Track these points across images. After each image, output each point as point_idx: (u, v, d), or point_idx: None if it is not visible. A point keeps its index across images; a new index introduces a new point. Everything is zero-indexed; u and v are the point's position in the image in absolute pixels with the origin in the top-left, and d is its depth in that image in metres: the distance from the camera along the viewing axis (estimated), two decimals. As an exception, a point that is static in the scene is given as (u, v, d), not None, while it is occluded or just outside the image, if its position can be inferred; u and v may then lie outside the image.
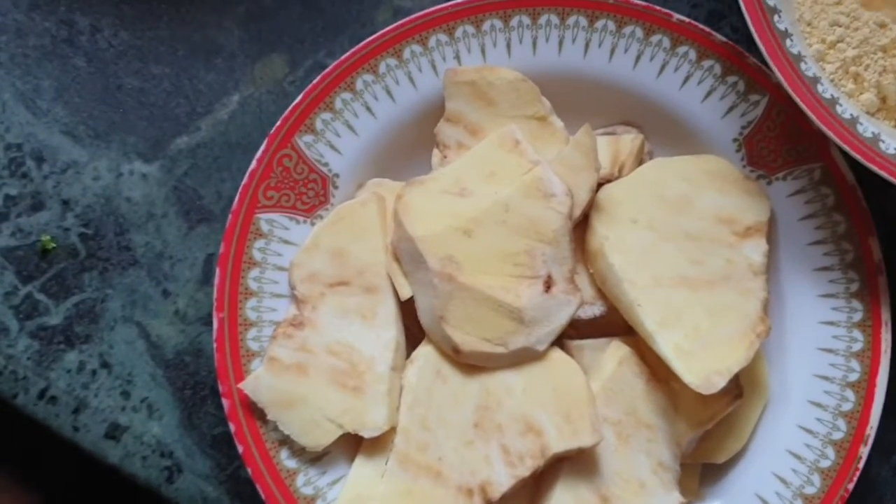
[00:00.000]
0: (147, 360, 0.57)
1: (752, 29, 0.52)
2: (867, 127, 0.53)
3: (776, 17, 0.53)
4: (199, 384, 0.57)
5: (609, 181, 0.55)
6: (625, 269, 0.53)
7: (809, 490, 0.54)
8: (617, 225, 0.54)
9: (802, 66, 0.53)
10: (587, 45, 0.56)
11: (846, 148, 0.52)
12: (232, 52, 0.59)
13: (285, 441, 0.53)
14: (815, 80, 0.53)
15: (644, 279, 0.53)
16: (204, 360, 0.57)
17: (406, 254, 0.53)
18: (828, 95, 0.53)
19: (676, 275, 0.53)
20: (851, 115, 0.53)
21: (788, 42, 0.53)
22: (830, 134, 0.52)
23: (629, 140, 0.56)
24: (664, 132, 0.57)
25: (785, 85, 0.52)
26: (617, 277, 0.53)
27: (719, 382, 0.51)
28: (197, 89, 0.59)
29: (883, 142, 0.53)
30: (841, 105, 0.53)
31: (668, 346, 0.52)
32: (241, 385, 0.52)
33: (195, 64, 0.59)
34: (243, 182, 0.54)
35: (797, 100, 0.52)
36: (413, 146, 0.56)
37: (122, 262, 0.58)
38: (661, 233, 0.54)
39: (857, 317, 0.55)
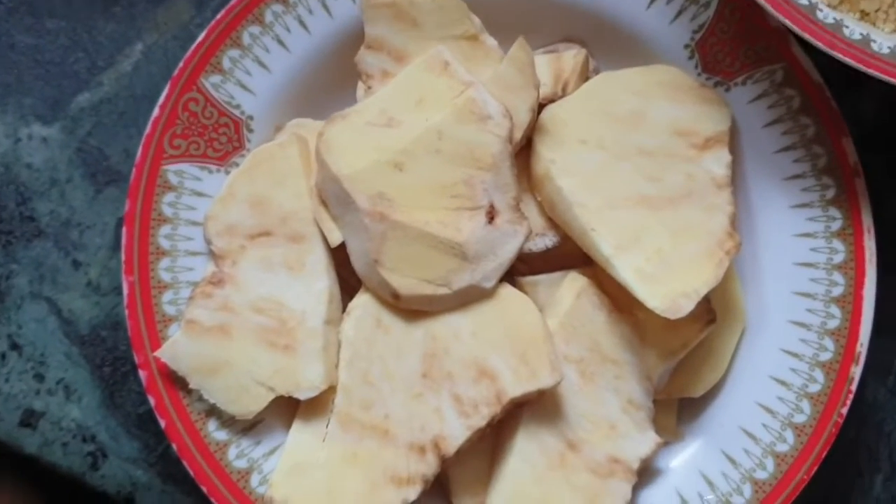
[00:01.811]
0: (60, 337, 0.54)
1: (693, -85, 0.48)
2: (827, 13, 0.49)
3: None
4: (119, 360, 0.54)
5: (552, 101, 0.52)
6: (575, 193, 0.50)
7: (799, 418, 0.50)
8: (563, 147, 0.51)
9: (752, -48, 0.48)
10: (518, -46, 0.53)
11: (806, 36, 0.47)
12: (132, -1, 0.57)
13: (212, 411, 0.49)
14: (768, -33, 0.48)
15: (597, 202, 0.50)
16: (122, 333, 0.54)
17: (332, 195, 0.49)
18: (782, -18, 0.48)
19: (633, 195, 0.50)
20: (809, 1, 0.48)
21: (734, -72, 0.48)
22: (788, 22, 0.47)
23: (571, 56, 0.53)
24: (609, 46, 0.54)
25: (733, -28, 0.47)
26: (567, 202, 0.50)
27: (687, 305, 0.47)
28: (97, 42, 0.56)
29: (846, 27, 0.48)
30: (797, -8, 0.48)
31: (628, 270, 0.48)
32: (157, 353, 0.49)
33: (93, 14, 0.56)
34: (146, 131, 0.50)
35: (748, -13, 0.47)
36: (335, 81, 0.53)
37: (26, 234, 0.55)
38: (613, 151, 0.51)
39: (836, 225, 0.51)
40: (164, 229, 0.50)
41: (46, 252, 0.54)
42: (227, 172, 0.51)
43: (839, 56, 0.47)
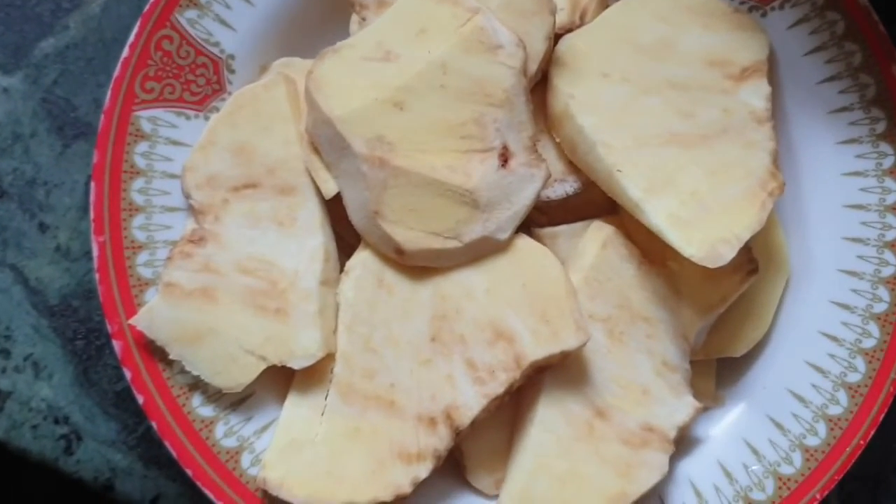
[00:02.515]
0: (27, 308, 0.51)
1: None
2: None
3: None
4: (93, 332, 0.51)
5: (569, 31, 0.48)
6: (598, 131, 0.46)
7: (853, 377, 0.46)
8: (584, 80, 0.47)
9: None
10: None
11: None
12: (97, -69, 0.53)
13: (196, 385, 0.46)
14: None
15: (623, 140, 0.46)
16: (96, 301, 0.51)
17: (325, 140, 0.45)
18: None
19: (663, 132, 0.46)
20: None
21: None
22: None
23: (589, -19, 0.49)
24: (630, -31, 0.50)
25: None
26: (589, 142, 0.45)
27: (727, 253, 0.44)
28: (60, -19, 0.52)
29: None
30: None
31: (660, 215, 0.44)
32: (132, 321, 0.45)
33: (55, -49, 0.53)
34: (115, 74, 0.46)
35: None
36: (325, 13, 0.49)
37: None
38: (640, 85, 0.47)
39: (889, 162, 0.48)
40: (138, 183, 0.46)
41: (10, 214, 0.51)
42: (207, 118, 0.47)
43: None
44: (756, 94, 0.47)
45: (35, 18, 0.51)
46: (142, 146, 0.46)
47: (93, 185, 0.45)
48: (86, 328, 0.50)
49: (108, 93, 0.46)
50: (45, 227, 0.50)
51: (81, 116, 0.51)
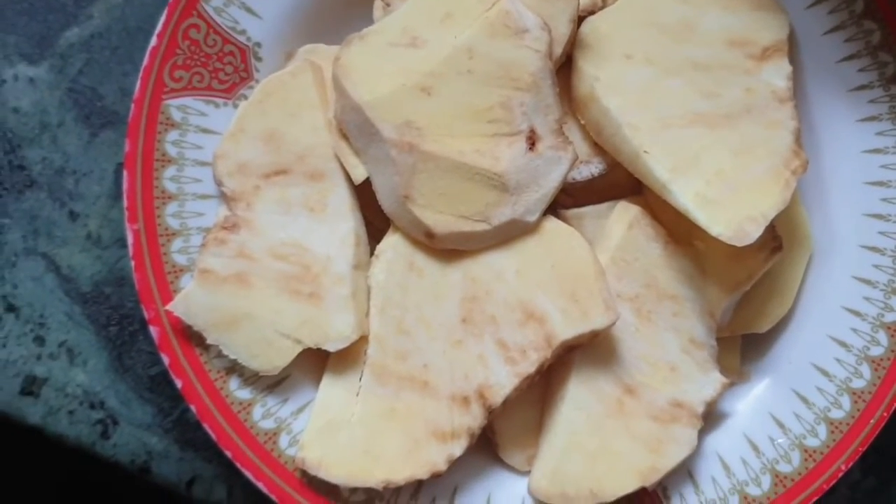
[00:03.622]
0: (60, 296, 0.50)
1: None
2: None
3: None
4: (126, 318, 0.50)
5: (592, 13, 0.48)
6: (624, 113, 0.45)
7: (876, 351, 0.46)
8: (608, 62, 0.46)
9: None
10: None
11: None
12: (119, -81, 0.52)
13: (233, 368, 0.45)
14: None
15: (648, 121, 0.45)
16: (128, 289, 0.50)
17: (354, 126, 0.45)
18: None
19: (687, 112, 0.46)
20: None
21: None
22: None
23: (610, -36, 0.48)
24: (650, -49, 0.49)
25: None
26: (615, 123, 0.45)
27: (754, 231, 0.43)
28: (83, -31, 0.52)
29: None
30: None
31: (686, 195, 0.44)
32: (169, 306, 0.44)
33: (77, -60, 0.52)
34: (143, 64, 0.45)
35: None
36: (349, 0, 0.48)
37: (16, 185, 0.50)
38: (663, 66, 0.46)
39: None
40: (169, 171, 0.45)
41: (40, 203, 0.50)
42: (236, 106, 0.47)
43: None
44: (778, 74, 0.46)
45: (59, 8, 0.51)
46: (172, 134, 0.45)
47: (125, 174, 0.45)
48: (119, 314, 0.50)
49: (138, 82, 0.45)
50: (75, 215, 0.50)
51: (108, 105, 0.50)
